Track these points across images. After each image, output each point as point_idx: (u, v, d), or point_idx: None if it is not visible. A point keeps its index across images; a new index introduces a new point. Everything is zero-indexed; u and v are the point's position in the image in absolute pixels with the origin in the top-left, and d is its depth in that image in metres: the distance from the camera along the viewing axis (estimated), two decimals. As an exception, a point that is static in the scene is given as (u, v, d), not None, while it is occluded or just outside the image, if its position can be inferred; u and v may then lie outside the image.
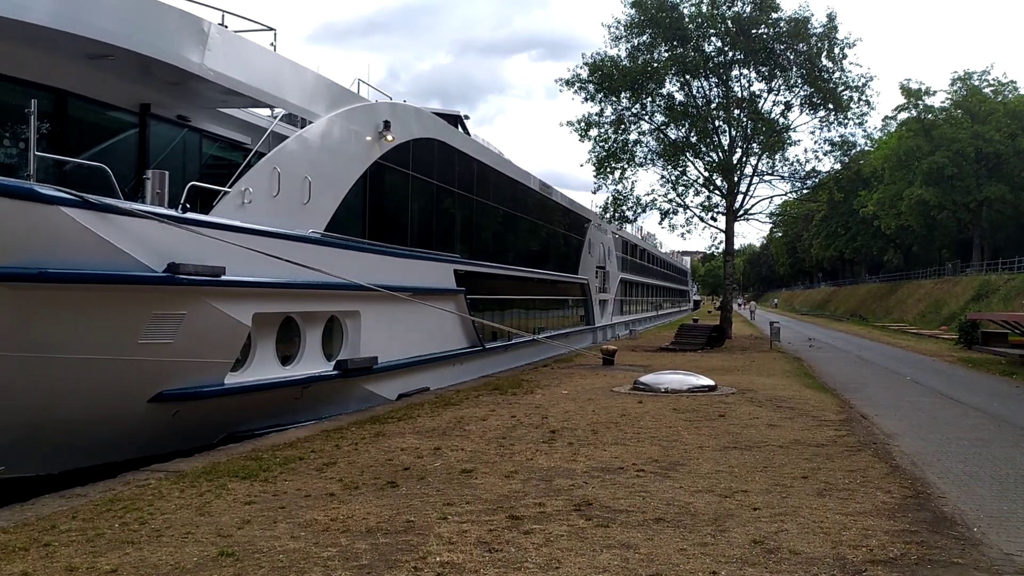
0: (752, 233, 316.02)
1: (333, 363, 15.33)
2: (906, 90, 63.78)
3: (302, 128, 15.00)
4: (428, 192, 20.51)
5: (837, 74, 36.46)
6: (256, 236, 12.39)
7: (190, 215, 11.34)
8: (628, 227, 55.98)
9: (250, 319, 12.53)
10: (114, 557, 6.25)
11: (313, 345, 14.98)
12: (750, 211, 39.10)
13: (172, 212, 11.06)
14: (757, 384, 18.89)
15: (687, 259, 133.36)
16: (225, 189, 12.54)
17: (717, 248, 40.40)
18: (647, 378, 17.61)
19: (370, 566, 6.10)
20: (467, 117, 30.38)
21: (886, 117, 70.59)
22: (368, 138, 16.89)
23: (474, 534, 6.93)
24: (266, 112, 15.80)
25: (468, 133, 30.93)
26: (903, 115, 66.07)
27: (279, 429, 12.99)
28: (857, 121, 37.35)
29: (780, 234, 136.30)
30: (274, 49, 14.43)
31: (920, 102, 63.84)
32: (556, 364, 25.86)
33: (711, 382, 17.49)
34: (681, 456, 10.44)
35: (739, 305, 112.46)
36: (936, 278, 68.95)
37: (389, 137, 17.34)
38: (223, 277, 11.61)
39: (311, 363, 14.81)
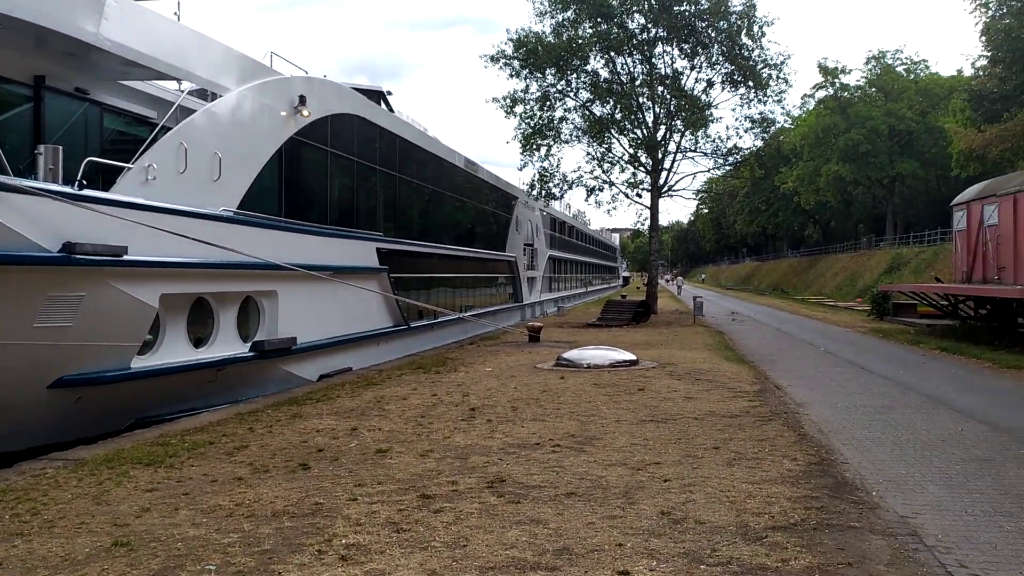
0: (678, 210, 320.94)
1: (249, 344, 14.96)
2: (823, 69, 65.31)
3: (212, 102, 14.52)
4: (349, 169, 20.14)
5: (756, 52, 37.00)
6: (161, 214, 11.96)
7: (87, 192, 10.86)
8: (556, 204, 56.23)
9: (157, 300, 12.12)
10: (0, 550, 5.97)
11: (227, 326, 14.60)
12: (674, 188, 39.54)
13: (66, 189, 10.57)
14: (678, 358, 19.18)
15: (616, 236, 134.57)
16: (127, 165, 12.05)
17: (643, 224, 40.81)
18: (570, 354, 17.69)
19: (272, 551, 5.95)
20: (390, 93, 29.90)
21: (805, 95, 72.25)
22: (283, 113, 16.46)
23: (383, 515, 6.84)
24: (175, 86, 15.24)
25: (392, 110, 30.45)
26: (821, 93, 67.71)
27: (192, 413, 12.62)
28: (776, 99, 38.00)
29: (706, 211, 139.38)
30: (178, 19, 13.89)
31: (836, 81, 65.50)
32: (482, 342, 25.83)
33: (633, 357, 17.67)
34: (598, 430, 10.50)
35: (667, 281, 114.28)
36: (852, 252, 71.19)
37: (305, 112, 16.93)
38: (125, 257, 11.18)
39: (225, 345, 14.44)
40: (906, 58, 67.43)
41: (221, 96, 14.51)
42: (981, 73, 31.36)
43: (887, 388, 14.51)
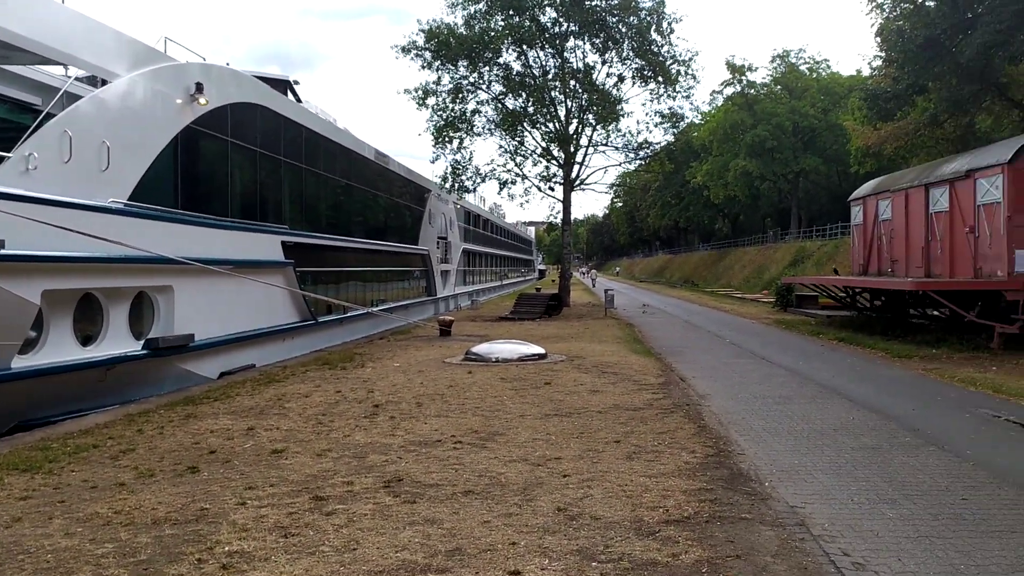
0: (591, 203, 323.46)
1: (142, 342, 14.35)
2: (731, 66, 66.84)
3: (100, 89, 13.83)
4: (252, 160, 19.54)
5: (665, 48, 37.57)
6: (42, 206, 11.32)
7: (-44, 183, 10.19)
8: (471, 198, 56.08)
9: (39, 296, 11.49)
10: None
11: (118, 323, 13.97)
12: (586, 181, 39.86)
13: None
14: (587, 351, 19.29)
15: (532, 229, 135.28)
16: (6, 155, 11.37)
17: (556, 218, 41.05)
18: (479, 348, 17.59)
19: (149, 561, 5.66)
20: (297, 83, 29.17)
21: (713, 91, 73.93)
22: (178, 101, 15.83)
23: (272, 519, 6.59)
24: (62, 71, 14.48)
25: (299, 100, 29.77)
26: (729, 90, 69.28)
27: (79, 415, 12.02)
28: (684, 94, 38.67)
29: (620, 204, 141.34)
30: (63, 2, 13.17)
31: (744, 78, 67.11)
32: (393, 336, 25.52)
33: (541, 351, 17.69)
34: (502, 426, 10.42)
35: (582, 274, 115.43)
36: (759, 245, 73.14)
37: (202, 100, 16.31)
38: (3, 252, 10.54)
39: (116, 342, 13.82)
40: (809, 57, 69.69)
41: (111, 83, 13.83)
42: (877, 73, 32.53)
43: (786, 378, 14.88)
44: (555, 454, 8.81)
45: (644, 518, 6.53)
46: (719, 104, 72.39)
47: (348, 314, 24.92)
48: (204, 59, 17.64)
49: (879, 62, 29.46)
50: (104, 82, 13.98)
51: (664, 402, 12.13)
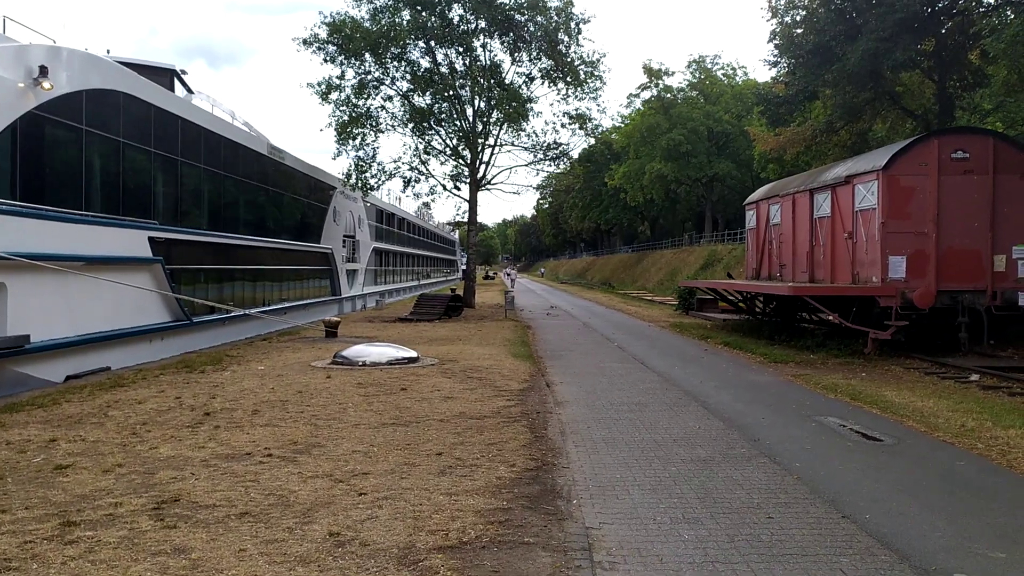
0: (499, 204, 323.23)
1: (-36, 344, 13.26)
2: (648, 70, 67.33)
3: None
4: (113, 150, 18.43)
5: (573, 49, 37.36)
6: None
7: None
8: (385, 196, 55.12)
9: None
10: None
11: (-65, 323, 12.85)
12: (492, 181, 39.37)
13: None
14: (466, 354, 18.76)
15: (456, 231, 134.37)
16: None
17: (462, 217, 40.39)
18: (349, 351, 16.89)
19: None
20: (184, 72, 28.08)
21: (630, 95, 74.36)
22: (19, 84, 14.73)
23: (1, 548, 5.84)
24: None
25: (190, 91, 28.61)
26: (646, 93, 69.74)
27: None
28: (592, 96, 38.49)
29: (546, 205, 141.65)
30: None
31: (660, 81, 67.65)
32: (278, 337, 24.57)
33: (413, 354, 17.08)
34: (328, 436, 9.80)
35: (507, 274, 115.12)
36: (676, 248, 73.94)
37: (47, 85, 15.23)
38: None
39: (-70, 344, 12.70)
40: (726, 64, 70.82)
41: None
42: (778, 79, 32.87)
43: (654, 384, 14.58)
44: (366, 468, 8.23)
45: (417, 544, 5.99)
46: (637, 108, 72.94)
47: (231, 314, 23.89)
48: (54, 42, 16.50)
49: (775, 70, 29.66)
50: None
51: (514, 410, 11.66)
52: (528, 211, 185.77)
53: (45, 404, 12.33)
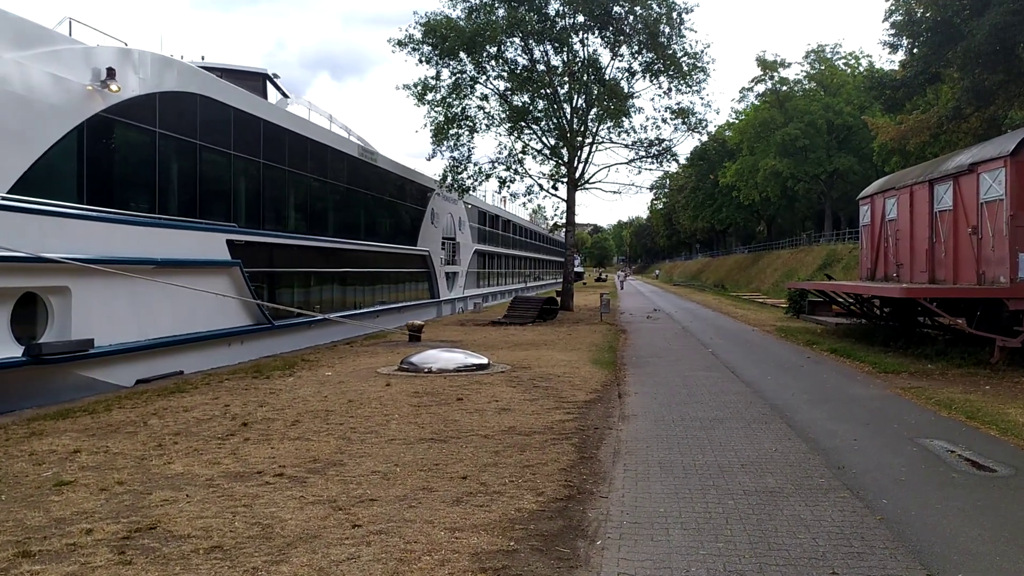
0: (602, 204, 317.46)
1: (24, 348, 13.17)
2: (762, 62, 64.31)
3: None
4: (188, 153, 18.34)
5: (675, 40, 35.72)
6: None
7: None
8: (490, 198, 54.64)
9: None
10: None
11: (-4, 327, 12.81)
12: (591, 180, 38.16)
13: None
14: (543, 360, 17.73)
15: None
16: None
17: (560, 218, 39.36)
18: (416, 357, 16.13)
19: None
20: (277, 76, 28.18)
21: (743, 88, 71.41)
22: (87, 87, 14.65)
23: (-68, 583, 5.24)
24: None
25: (285, 94, 28.73)
26: (760, 87, 66.74)
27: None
28: (695, 89, 36.73)
29: (660, 206, 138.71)
30: None
31: (775, 74, 64.53)
32: (362, 341, 24.24)
33: (483, 360, 16.19)
34: (354, 452, 8.99)
35: (619, 276, 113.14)
36: (793, 248, 70.47)
37: (114, 87, 15.12)
38: None
39: (-9, 348, 12.65)
40: (847, 53, 66.79)
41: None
42: (897, 64, 30.33)
43: (737, 397, 13.14)
44: (376, 493, 7.34)
45: (385, 596, 5.02)
46: (751, 102, 69.95)
47: (317, 317, 23.65)
48: (126, 44, 16.45)
49: (893, 52, 27.17)
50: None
51: (569, 425, 10.55)
52: (644, 212, 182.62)
53: (96, 410, 12.09)
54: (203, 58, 26.45)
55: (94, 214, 14.70)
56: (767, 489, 7.62)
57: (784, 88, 64.65)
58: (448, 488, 7.52)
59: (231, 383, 14.85)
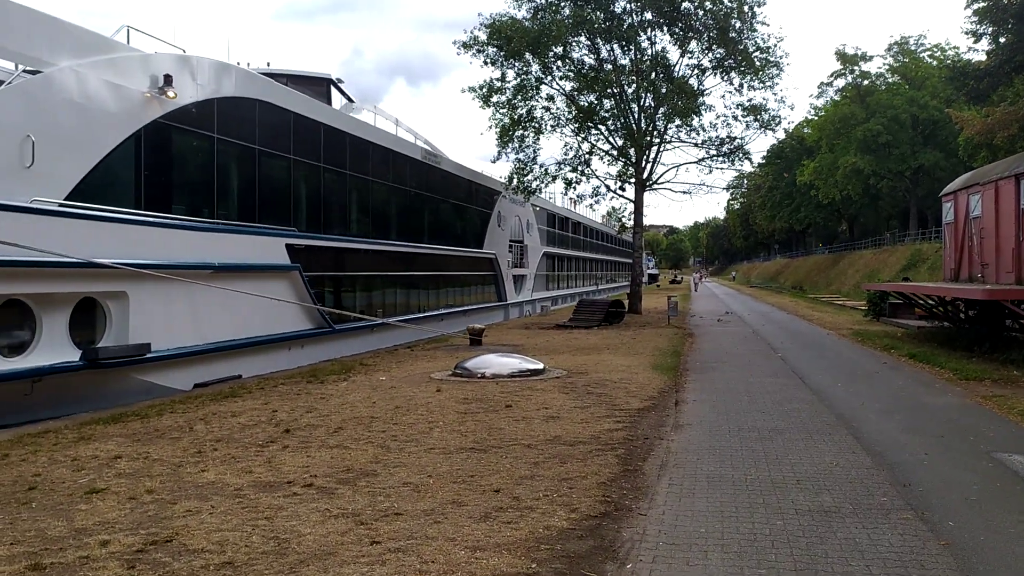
0: (671, 204, 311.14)
1: (81, 352, 13.35)
2: (841, 55, 62.25)
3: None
4: (247, 158, 18.47)
5: (746, 34, 34.70)
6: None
7: None
8: (559, 199, 54.17)
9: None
10: None
11: (54, 331, 13.02)
12: (659, 181, 37.38)
13: None
14: (602, 365, 17.24)
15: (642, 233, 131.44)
16: None
17: (628, 219, 38.63)
18: (471, 362, 15.86)
19: None
20: (341, 81, 28.36)
21: (822, 83, 69.23)
22: (143, 93, 14.83)
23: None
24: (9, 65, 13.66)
25: (350, 99, 28.93)
26: (839, 82, 64.61)
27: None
28: (768, 85, 35.59)
29: (737, 206, 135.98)
30: None
31: (856, 68, 62.36)
32: (424, 344, 24.10)
33: (539, 365, 15.80)
34: (390, 462, 8.72)
35: (694, 278, 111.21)
36: (876, 248, 68.00)
37: (171, 94, 15.28)
38: None
39: (49, 352, 12.85)
40: (933, 45, 64.09)
41: (42, 73, 12.88)
42: (984, 54, 28.76)
43: (802, 406, 12.44)
44: (404, 507, 7.04)
45: (387, 624, 4.69)
46: (830, 98, 67.78)
47: (379, 321, 23.63)
48: (184, 51, 16.63)
49: (970, 39, 25.68)
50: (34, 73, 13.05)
51: (618, 434, 10.08)
52: (721, 213, 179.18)
53: (149, 415, 12.15)
54: (268, 64, 26.78)
55: (151, 220, 14.86)
56: (822, 508, 7.03)
57: (865, 82, 62.40)
58: (478, 502, 7.16)
59: (285, 388, 14.82)
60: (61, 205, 12.90)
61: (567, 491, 7.50)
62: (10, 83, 12.38)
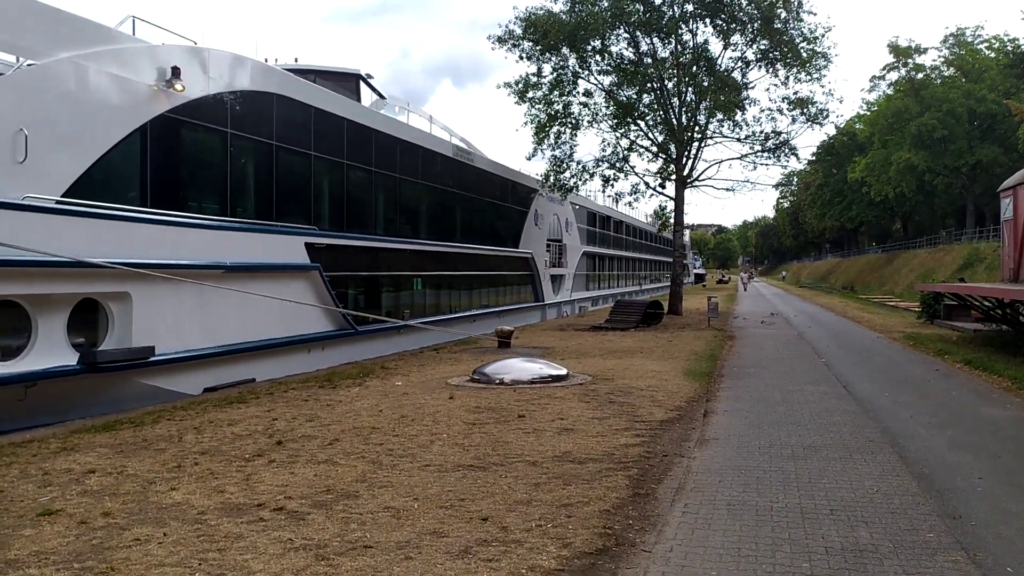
0: (719, 202, 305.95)
1: (78, 356, 12.80)
2: (894, 48, 60.03)
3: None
4: (263, 154, 17.86)
5: (792, 24, 33.32)
6: None
7: None
8: (599, 198, 53.06)
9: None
10: None
11: (51, 334, 12.48)
12: (700, 178, 36.17)
13: None
14: (631, 371, 16.28)
15: (687, 232, 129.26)
16: None
17: (668, 217, 37.42)
18: (490, 368, 15.03)
19: None
20: (371, 76, 27.72)
21: (873, 77, 66.98)
22: (149, 86, 14.27)
23: None
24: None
25: (380, 95, 28.32)
26: (892, 75, 62.39)
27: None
28: (816, 77, 34.14)
29: (786, 204, 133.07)
30: None
31: (910, 60, 60.11)
32: (451, 347, 23.33)
33: (562, 371, 14.91)
34: (378, 480, 7.94)
35: (749, 278, 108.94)
36: (932, 247, 65.59)
37: (179, 87, 14.69)
38: None
39: (45, 356, 12.32)
40: (992, 36, 61.44)
41: (35, 64, 12.35)
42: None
43: (844, 418, 11.35)
44: (376, 538, 6.23)
45: None
46: (883, 92, 65.49)
47: (398, 323, 22.92)
48: (195, 43, 16.05)
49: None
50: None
51: (634, 451, 9.15)
52: (770, 211, 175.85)
53: (144, 422, 11.56)
54: (296, 60, 26.27)
55: (155, 217, 14.29)
56: (857, 546, 6.05)
57: (920, 76, 60.12)
58: (461, 533, 6.32)
59: (294, 393, 14.16)
60: (57, 202, 12.36)
61: (564, 520, 6.62)
62: (2, 75, 11.87)
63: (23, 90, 12.00)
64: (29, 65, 12.57)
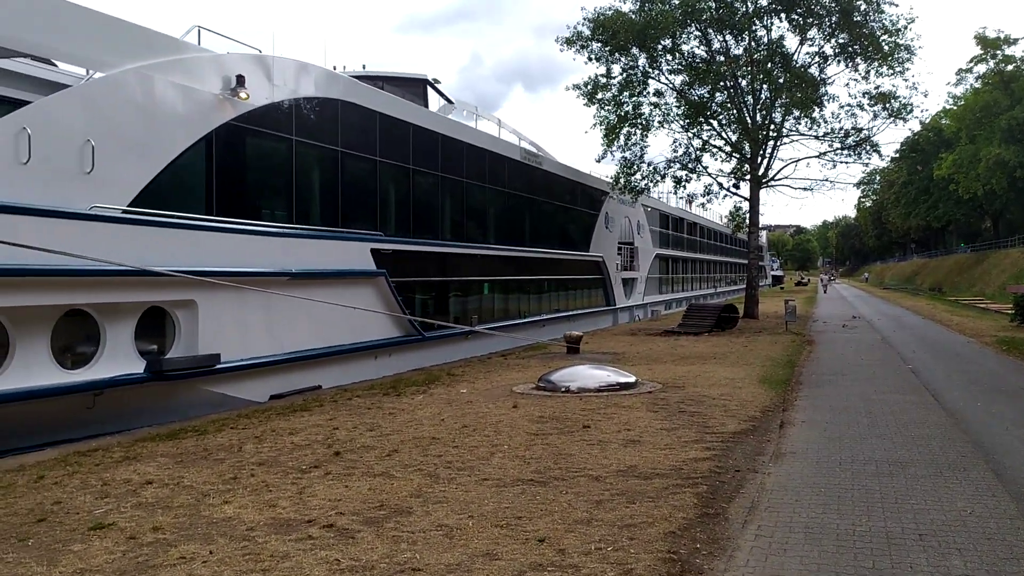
0: (790, 203, 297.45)
1: (145, 364, 12.89)
2: (982, 39, 57.47)
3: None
4: (329, 161, 17.87)
5: (872, 16, 32.03)
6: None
7: None
8: (672, 200, 52.11)
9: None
10: None
11: (120, 342, 12.60)
12: (776, 177, 35.07)
13: None
14: (703, 378, 15.69)
15: (764, 233, 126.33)
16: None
17: (743, 218, 36.37)
18: (556, 375, 14.65)
19: None
20: (438, 81, 27.68)
21: (960, 70, 64.14)
22: (214, 94, 14.35)
23: None
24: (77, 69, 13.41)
25: (449, 100, 28.26)
26: (980, 67, 59.70)
27: (25, 450, 10.60)
28: (899, 70, 32.73)
29: (868, 203, 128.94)
30: None
31: (999, 52, 57.42)
32: (519, 353, 23.03)
33: (630, 379, 14.42)
34: (436, 495, 7.65)
35: (829, 279, 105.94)
36: (1024, 247, 62.52)
37: (243, 95, 14.75)
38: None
39: (113, 364, 12.44)
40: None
41: (103, 75, 12.50)
42: None
43: (933, 431, 10.61)
44: (425, 560, 5.92)
45: None
46: (970, 85, 62.76)
47: (467, 329, 22.71)
48: (260, 51, 16.10)
49: None
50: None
51: (704, 465, 8.65)
52: (851, 211, 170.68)
53: (207, 431, 11.55)
54: (364, 67, 26.40)
55: (221, 225, 14.34)
56: (950, 578, 5.47)
57: (1009, 67, 57.39)
58: (515, 555, 5.96)
59: (358, 401, 14.03)
60: (124, 212, 12.48)
61: (625, 543, 6.19)
62: (71, 88, 12.05)
63: (92, 101, 12.16)
64: (97, 77, 12.77)
